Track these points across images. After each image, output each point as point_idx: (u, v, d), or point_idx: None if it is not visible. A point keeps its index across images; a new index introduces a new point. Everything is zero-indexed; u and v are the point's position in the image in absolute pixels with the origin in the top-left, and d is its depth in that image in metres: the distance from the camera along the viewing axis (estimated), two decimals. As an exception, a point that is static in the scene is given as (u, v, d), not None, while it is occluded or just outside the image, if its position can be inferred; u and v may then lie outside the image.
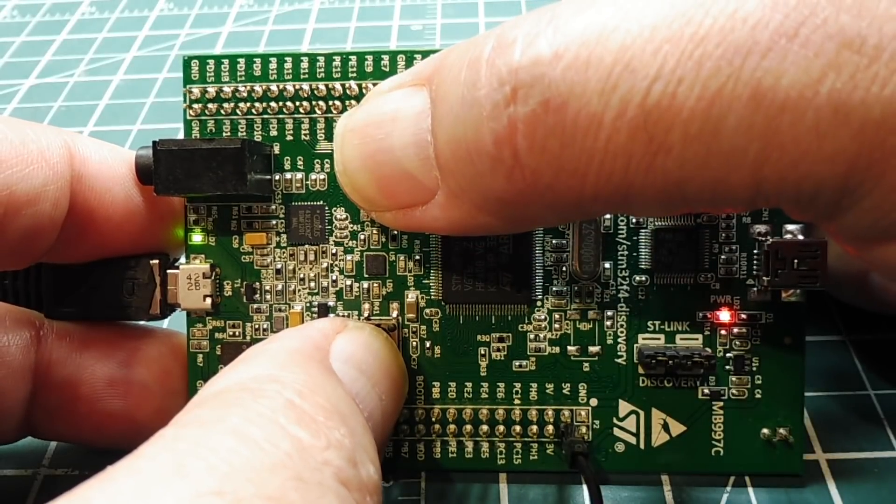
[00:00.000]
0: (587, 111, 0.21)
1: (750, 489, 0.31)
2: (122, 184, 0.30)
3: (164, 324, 0.37)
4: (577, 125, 0.21)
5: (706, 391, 0.31)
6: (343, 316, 0.32)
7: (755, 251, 0.31)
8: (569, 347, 0.31)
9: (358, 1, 0.66)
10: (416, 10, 0.66)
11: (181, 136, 0.32)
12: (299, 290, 0.32)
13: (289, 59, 0.32)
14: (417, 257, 0.32)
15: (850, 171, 0.20)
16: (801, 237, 0.30)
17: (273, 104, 0.32)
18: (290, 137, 0.32)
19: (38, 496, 0.33)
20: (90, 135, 0.53)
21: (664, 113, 0.20)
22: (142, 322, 0.33)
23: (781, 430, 0.31)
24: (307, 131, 0.32)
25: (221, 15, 0.67)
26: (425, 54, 0.30)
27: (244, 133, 0.32)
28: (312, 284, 0.32)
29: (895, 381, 0.36)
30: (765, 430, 0.31)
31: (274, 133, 0.32)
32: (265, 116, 0.32)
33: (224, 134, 0.32)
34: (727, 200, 0.22)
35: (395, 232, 0.32)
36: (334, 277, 0.32)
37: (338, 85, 0.31)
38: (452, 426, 0.32)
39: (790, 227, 0.30)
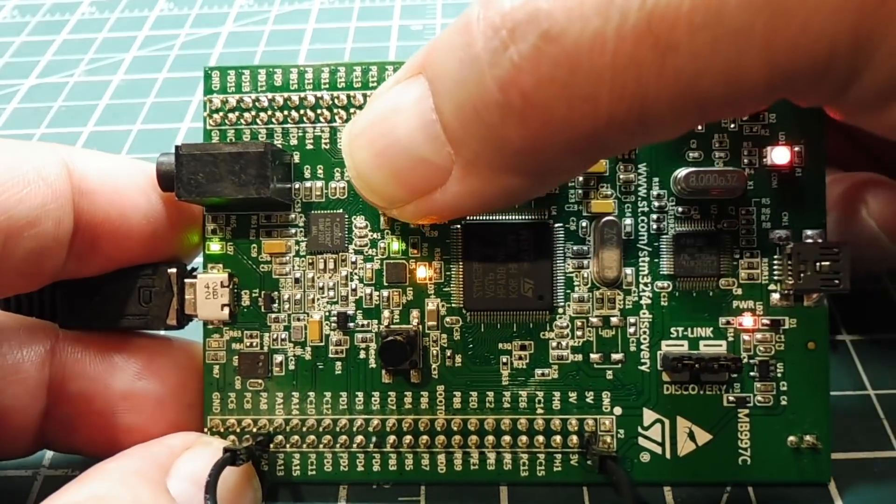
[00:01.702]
0: (589, 30, 0.21)
1: (749, 487, 0.31)
2: (126, 194, 0.30)
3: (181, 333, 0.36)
4: (580, 47, 0.21)
5: (731, 398, 0.31)
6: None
7: (776, 256, 0.31)
8: (591, 355, 0.31)
9: (358, 1, 0.67)
10: (416, 10, 0.66)
11: (182, 135, 0.32)
12: (318, 299, 0.32)
13: (309, 69, 0.32)
14: (438, 265, 0.31)
15: (860, 19, 0.20)
16: (820, 240, 0.30)
17: (293, 113, 0.32)
18: (310, 146, 0.32)
19: (38, 496, 0.32)
20: (90, 135, 0.53)
21: (665, 11, 0.20)
22: (159, 332, 0.32)
23: (808, 437, 0.30)
24: (327, 140, 0.32)
25: (221, 15, 0.67)
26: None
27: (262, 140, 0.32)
28: (332, 293, 0.32)
29: (895, 381, 0.36)
30: (791, 438, 0.31)
31: (294, 142, 0.32)
32: (285, 126, 0.32)
33: (244, 143, 0.32)
34: (744, 92, 0.21)
35: (414, 241, 0.31)
36: (354, 286, 0.32)
37: (359, 94, 0.32)
38: (474, 437, 0.31)
39: (810, 231, 0.30)
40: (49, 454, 0.34)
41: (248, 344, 0.32)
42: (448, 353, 0.31)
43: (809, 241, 0.30)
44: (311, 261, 0.32)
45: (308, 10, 0.66)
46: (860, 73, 0.21)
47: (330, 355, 0.32)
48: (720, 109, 0.23)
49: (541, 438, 0.31)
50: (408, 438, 0.31)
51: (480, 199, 0.25)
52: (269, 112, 0.32)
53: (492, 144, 0.23)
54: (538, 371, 0.31)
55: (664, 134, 0.24)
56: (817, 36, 0.20)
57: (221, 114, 0.32)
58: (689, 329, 0.31)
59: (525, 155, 0.23)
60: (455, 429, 0.31)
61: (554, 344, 0.31)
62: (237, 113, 0.32)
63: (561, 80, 0.21)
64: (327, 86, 0.32)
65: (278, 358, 0.32)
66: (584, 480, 0.31)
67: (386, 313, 0.31)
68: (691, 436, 0.31)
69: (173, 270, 0.31)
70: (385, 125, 0.26)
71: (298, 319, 0.32)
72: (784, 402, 0.31)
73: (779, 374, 0.31)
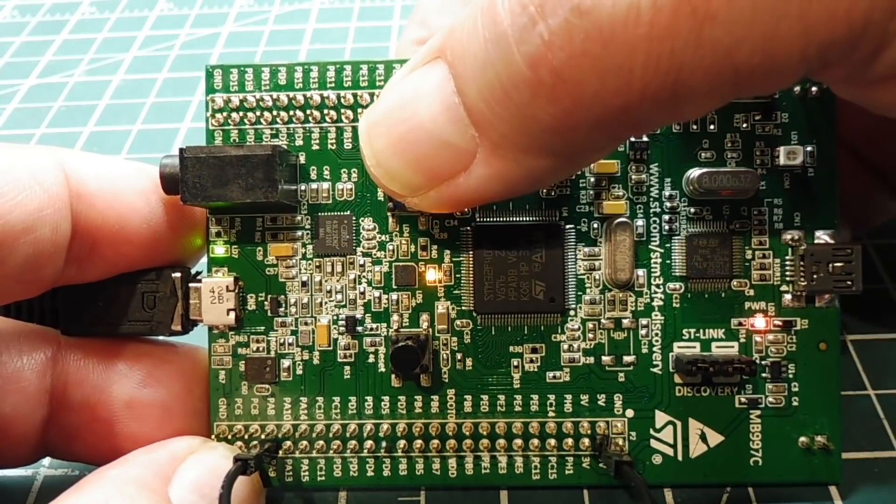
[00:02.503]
0: (623, 2, 0.20)
1: (749, 488, 0.31)
2: (125, 197, 0.29)
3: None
4: (614, 20, 0.20)
5: (743, 399, 0.31)
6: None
7: (787, 257, 0.31)
8: (603, 357, 0.31)
9: (358, 1, 0.67)
10: None
11: (182, 135, 0.31)
12: (326, 303, 0.31)
13: (315, 67, 0.31)
14: (448, 267, 0.31)
15: None
16: (833, 241, 0.30)
17: (299, 113, 0.31)
18: (316, 147, 0.31)
19: (37, 496, 0.32)
20: (90, 135, 0.53)
21: None
22: (162, 337, 0.31)
23: (820, 438, 0.30)
24: (334, 141, 0.31)
25: (221, 15, 0.67)
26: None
27: (268, 143, 0.31)
28: (339, 297, 0.31)
29: (895, 381, 0.36)
30: (803, 439, 0.31)
31: (299, 142, 0.31)
32: (291, 126, 0.31)
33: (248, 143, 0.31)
34: (778, 63, 0.21)
35: (425, 243, 0.31)
36: (362, 289, 0.31)
37: (365, 93, 0.31)
38: (485, 441, 0.31)
39: (822, 231, 0.30)
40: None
41: (254, 349, 0.31)
42: (458, 356, 0.31)
43: (821, 241, 0.30)
44: (318, 264, 0.31)
45: (308, 10, 0.66)
46: (889, 43, 0.21)
47: (338, 360, 0.31)
48: (753, 83, 0.22)
49: (552, 442, 0.31)
50: (418, 443, 0.31)
51: (506, 182, 0.24)
52: (274, 112, 0.31)
53: (520, 124, 0.23)
54: (550, 374, 0.31)
55: (695, 110, 0.23)
56: (853, 3, 0.20)
57: (224, 114, 0.31)
58: (701, 330, 0.31)
59: (554, 134, 0.23)
60: (466, 433, 0.31)
61: (565, 346, 0.31)
62: (241, 113, 0.31)
63: (593, 54, 0.21)
64: (333, 85, 0.31)
65: (286, 363, 0.31)
66: (597, 483, 0.31)
67: (395, 317, 0.31)
68: (703, 437, 0.31)
69: (178, 275, 0.30)
70: (405, 111, 0.25)
71: (306, 324, 0.31)
72: (795, 403, 0.31)
73: (790, 375, 0.31)
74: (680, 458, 0.31)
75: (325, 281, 0.31)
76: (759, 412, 0.31)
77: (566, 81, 0.21)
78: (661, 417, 0.31)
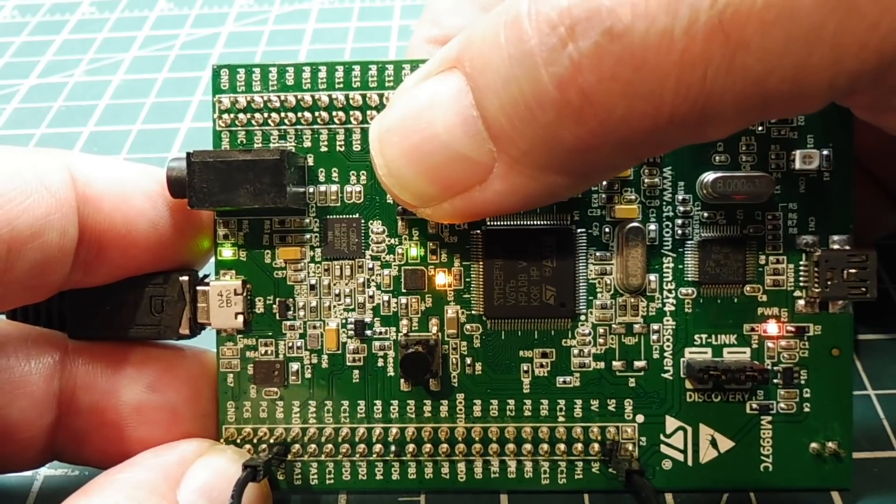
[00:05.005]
0: (656, 28, 0.20)
1: (751, 493, 0.31)
2: (132, 200, 0.29)
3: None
4: (646, 45, 0.20)
5: (754, 405, 0.30)
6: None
7: (801, 262, 0.30)
8: (614, 362, 0.31)
9: (358, 1, 0.66)
10: (416, 10, 0.65)
11: (182, 135, 0.31)
12: (335, 307, 0.31)
13: (323, 67, 0.31)
14: (458, 271, 0.31)
15: None
16: (847, 247, 0.30)
17: (307, 114, 0.31)
18: (324, 149, 0.31)
19: (37, 496, 0.32)
20: (90, 135, 0.53)
21: (738, 8, 0.20)
22: (170, 341, 0.31)
23: (831, 444, 0.30)
24: (342, 142, 0.31)
25: (221, 15, 0.66)
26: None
27: (276, 144, 0.31)
28: (348, 300, 0.31)
29: (895, 381, 0.36)
30: (814, 445, 0.30)
31: (308, 144, 0.31)
32: (298, 127, 0.31)
33: (255, 145, 0.31)
34: (807, 91, 0.21)
35: (433, 246, 0.31)
36: (371, 293, 0.31)
37: (374, 94, 0.30)
38: (494, 445, 0.31)
39: (836, 237, 0.30)
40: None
41: (262, 352, 0.31)
42: (468, 360, 0.31)
43: (836, 247, 0.30)
44: (326, 267, 0.31)
45: (308, 10, 0.65)
46: None
47: (347, 363, 0.31)
48: (780, 108, 0.22)
49: (562, 447, 0.31)
50: (427, 447, 0.31)
51: (523, 196, 0.24)
52: (282, 113, 0.31)
53: (542, 143, 0.22)
54: (560, 379, 0.31)
55: (720, 132, 0.23)
56: (886, 34, 0.20)
57: (231, 114, 0.31)
58: (713, 336, 0.31)
59: (576, 153, 0.23)
60: (475, 437, 0.31)
61: (576, 351, 0.31)
62: (248, 114, 0.31)
63: (624, 78, 0.21)
64: (341, 85, 0.31)
65: (294, 366, 0.31)
66: (606, 488, 0.31)
67: (404, 321, 0.31)
68: (713, 443, 0.31)
69: (185, 278, 0.30)
70: (419, 120, 0.25)
71: (314, 327, 0.31)
72: (807, 409, 0.30)
73: (802, 382, 0.30)
74: (690, 463, 0.31)
75: (334, 284, 0.31)
76: (770, 418, 0.30)
77: (594, 104, 0.21)
78: (671, 423, 0.31)
